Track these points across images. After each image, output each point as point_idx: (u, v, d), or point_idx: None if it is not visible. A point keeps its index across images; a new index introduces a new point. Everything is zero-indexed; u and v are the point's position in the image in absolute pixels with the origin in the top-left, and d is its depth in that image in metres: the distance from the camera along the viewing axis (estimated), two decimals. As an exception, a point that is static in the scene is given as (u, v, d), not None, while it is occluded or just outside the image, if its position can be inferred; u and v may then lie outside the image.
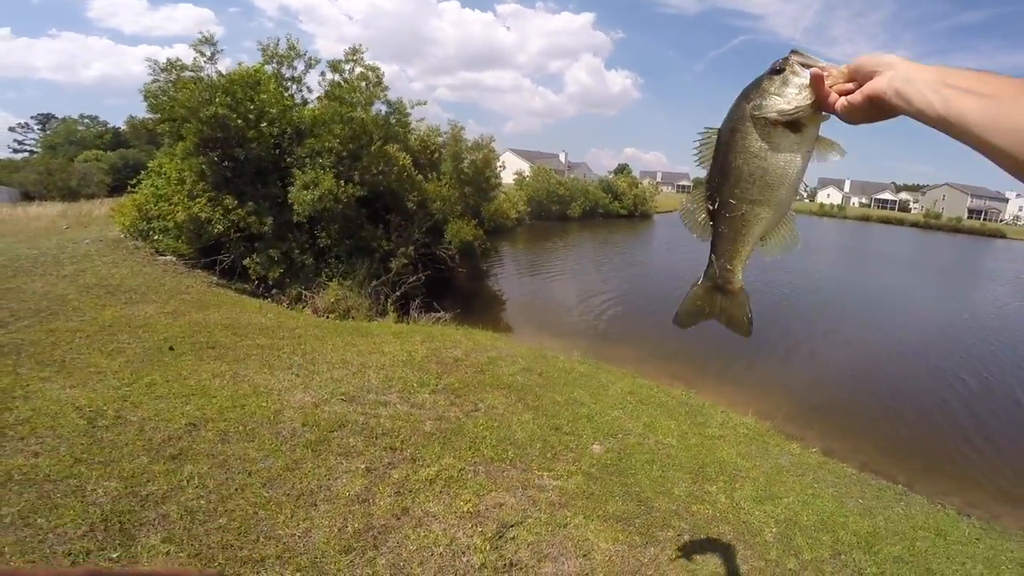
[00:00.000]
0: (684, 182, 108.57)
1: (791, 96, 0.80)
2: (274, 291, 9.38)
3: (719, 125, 0.91)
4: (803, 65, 0.80)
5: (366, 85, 9.57)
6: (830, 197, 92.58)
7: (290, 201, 8.51)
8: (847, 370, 9.98)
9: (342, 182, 8.81)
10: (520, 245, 24.57)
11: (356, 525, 2.80)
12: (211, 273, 10.01)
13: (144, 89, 8.84)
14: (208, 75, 8.88)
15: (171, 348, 5.42)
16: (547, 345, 8.29)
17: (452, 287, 13.43)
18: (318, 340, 6.46)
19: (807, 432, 6.83)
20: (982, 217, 74.27)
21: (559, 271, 18.04)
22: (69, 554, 2.21)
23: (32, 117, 51.79)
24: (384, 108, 10.50)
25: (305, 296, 8.86)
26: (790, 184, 0.86)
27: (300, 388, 4.74)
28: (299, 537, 2.65)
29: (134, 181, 10.53)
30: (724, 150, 0.88)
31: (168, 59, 8.86)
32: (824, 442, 6.61)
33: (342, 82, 9.62)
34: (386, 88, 9.89)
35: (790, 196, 0.87)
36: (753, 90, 0.84)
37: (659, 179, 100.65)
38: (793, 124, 0.81)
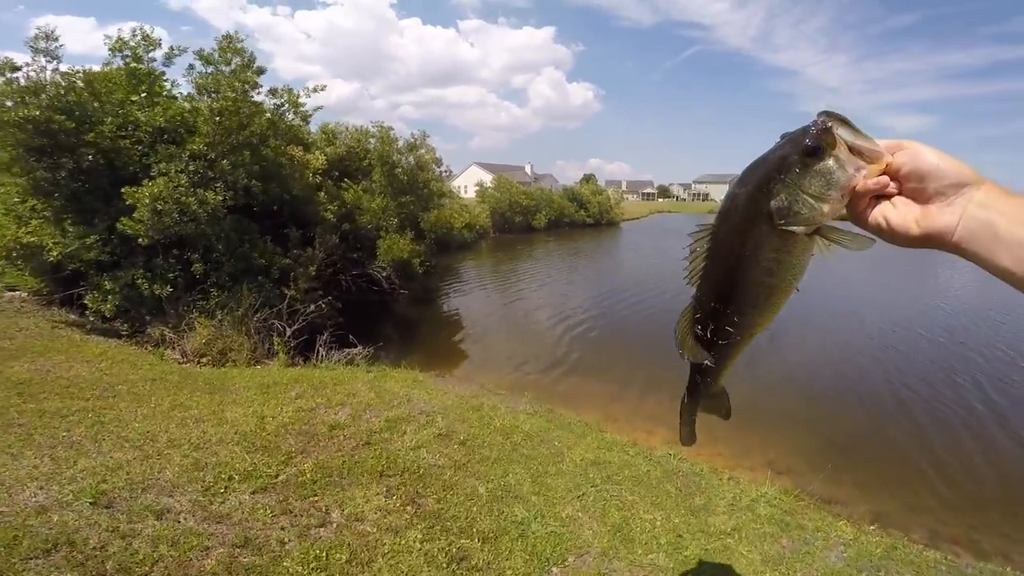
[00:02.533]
0: (648, 189, 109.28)
1: (833, 198, 0.58)
2: (147, 330, 7.22)
3: (714, 221, 0.71)
4: (851, 148, 0.56)
5: (236, 73, 7.57)
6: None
7: (121, 220, 6.41)
8: (873, 390, 8.30)
9: (201, 191, 6.76)
10: (483, 260, 22.71)
11: None
12: (70, 310, 7.92)
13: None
14: (41, 77, 6.81)
15: None
16: (489, 388, 6.36)
17: (390, 313, 11.40)
18: (137, 401, 4.42)
19: (845, 491, 5.06)
20: None
21: (521, 288, 16.13)
22: None
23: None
24: (270, 100, 8.49)
25: (169, 337, 6.73)
26: (790, 293, 0.70)
27: (42, 480, 2.87)
28: None
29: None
30: (725, 262, 0.67)
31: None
32: (870, 503, 4.89)
33: (211, 72, 7.62)
34: (260, 70, 7.88)
35: (787, 299, 0.70)
36: (778, 180, 0.60)
37: (624, 187, 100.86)
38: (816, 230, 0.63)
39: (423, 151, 12.90)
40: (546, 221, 35.31)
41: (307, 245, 8.28)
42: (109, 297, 6.59)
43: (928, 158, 0.52)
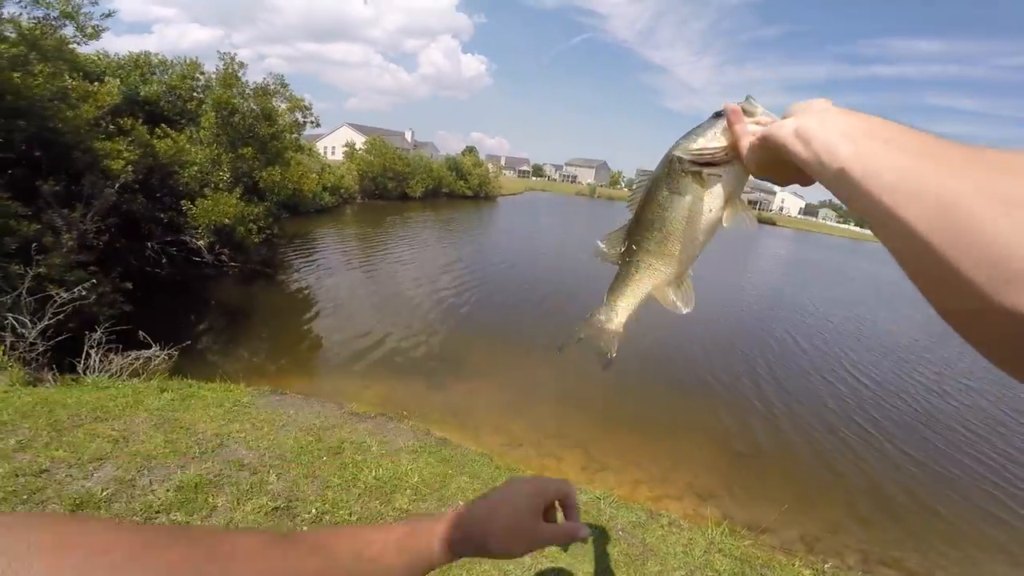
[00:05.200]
0: (524, 167, 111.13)
1: (708, 137, 0.68)
2: None
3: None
4: (745, 110, 0.66)
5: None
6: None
7: None
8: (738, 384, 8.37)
9: None
10: (346, 227, 20.02)
11: None
12: None
13: None
14: None
15: None
16: (353, 408, 4.70)
17: (211, 294, 8.82)
18: None
19: (768, 513, 4.61)
20: (758, 207, 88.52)
21: (392, 261, 14.14)
22: None
23: None
24: (29, 12, 5.57)
25: None
26: (686, 242, 0.76)
27: None
28: None
29: None
30: (642, 192, 0.79)
31: None
32: (795, 525, 4.54)
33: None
34: None
35: (686, 255, 0.77)
36: (689, 132, 0.72)
37: (503, 163, 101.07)
38: (697, 173, 0.70)
39: (280, 100, 10.22)
40: (423, 190, 32.99)
41: (75, 203, 5.60)
42: None
43: (804, 101, 0.55)
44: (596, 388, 6.63)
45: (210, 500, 2.69)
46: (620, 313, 0.89)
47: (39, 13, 6.00)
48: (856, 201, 0.42)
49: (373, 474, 3.19)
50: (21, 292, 4.61)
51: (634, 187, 0.84)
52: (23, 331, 4.51)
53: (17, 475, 2.56)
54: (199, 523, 2.51)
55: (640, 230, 0.80)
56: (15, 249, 5.00)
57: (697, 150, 0.68)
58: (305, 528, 2.61)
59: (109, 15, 6.24)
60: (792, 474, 5.64)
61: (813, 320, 13.11)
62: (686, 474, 5.22)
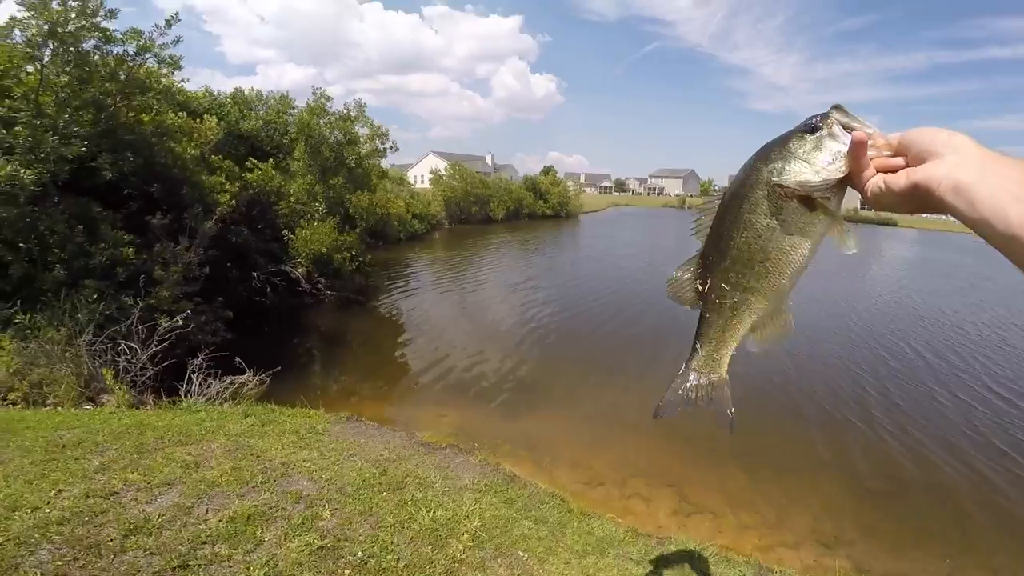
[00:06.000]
0: (606, 183, 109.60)
1: (822, 165, 0.62)
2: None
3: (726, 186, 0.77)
4: (844, 127, 0.62)
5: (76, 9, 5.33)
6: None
7: None
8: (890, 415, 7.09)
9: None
10: (435, 253, 20.70)
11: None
12: None
13: None
14: None
15: None
16: (423, 438, 4.53)
17: (308, 321, 9.31)
18: None
19: (915, 562, 3.69)
20: (866, 207, 78.51)
21: (476, 287, 14.23)
22: None
23: None
24: (108, 48, 6.15)
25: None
26: (793, 273, 0.69)
27: None
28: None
29: None
30: (725, 222, 0.71)
31: None
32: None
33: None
34: (111, 13, 5.61)
35: (791, 286, 0.71)
36: (776, 149, 0.65)
37: (583, 180, 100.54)
38: (810, 200, 0.64)
39: (362, 126, 10.85)
40: (504, 212, 33.52)
41: (181, 236, 6.17)
42: None
43: (929, 128, 0.54)
44: (689, 418, 5.86)
45: (258, 534, 2.58)
46: (723, 361, 0.79)
47: (118, 50, 6.31)
48: None
49: (431, 515, 2.91)
50: (133, 321, 5.06)
51: (703, 210, 0.74)
52: (132, 357, 4.93)
53: (88, 496, 2.62)
54: (242, 558, 2.38)
55: (734, 265, 0.70)
56: (125, 279, 5.54)
57: (817, 184, 0.61)
58: (347, 573, 2.39)
59: (178, 41, 6.37)
60: (940, 514, 4.56)
61: (944, 331, 10.98)
62: (805, 517, 4.38)
